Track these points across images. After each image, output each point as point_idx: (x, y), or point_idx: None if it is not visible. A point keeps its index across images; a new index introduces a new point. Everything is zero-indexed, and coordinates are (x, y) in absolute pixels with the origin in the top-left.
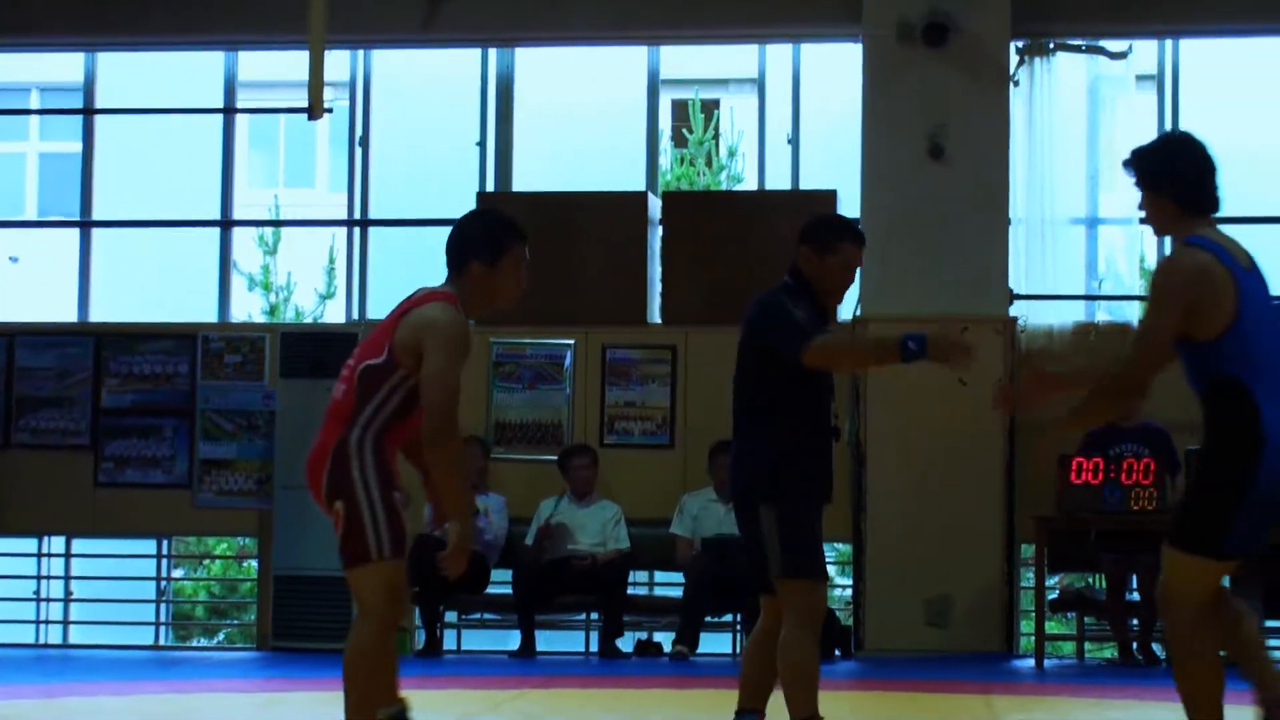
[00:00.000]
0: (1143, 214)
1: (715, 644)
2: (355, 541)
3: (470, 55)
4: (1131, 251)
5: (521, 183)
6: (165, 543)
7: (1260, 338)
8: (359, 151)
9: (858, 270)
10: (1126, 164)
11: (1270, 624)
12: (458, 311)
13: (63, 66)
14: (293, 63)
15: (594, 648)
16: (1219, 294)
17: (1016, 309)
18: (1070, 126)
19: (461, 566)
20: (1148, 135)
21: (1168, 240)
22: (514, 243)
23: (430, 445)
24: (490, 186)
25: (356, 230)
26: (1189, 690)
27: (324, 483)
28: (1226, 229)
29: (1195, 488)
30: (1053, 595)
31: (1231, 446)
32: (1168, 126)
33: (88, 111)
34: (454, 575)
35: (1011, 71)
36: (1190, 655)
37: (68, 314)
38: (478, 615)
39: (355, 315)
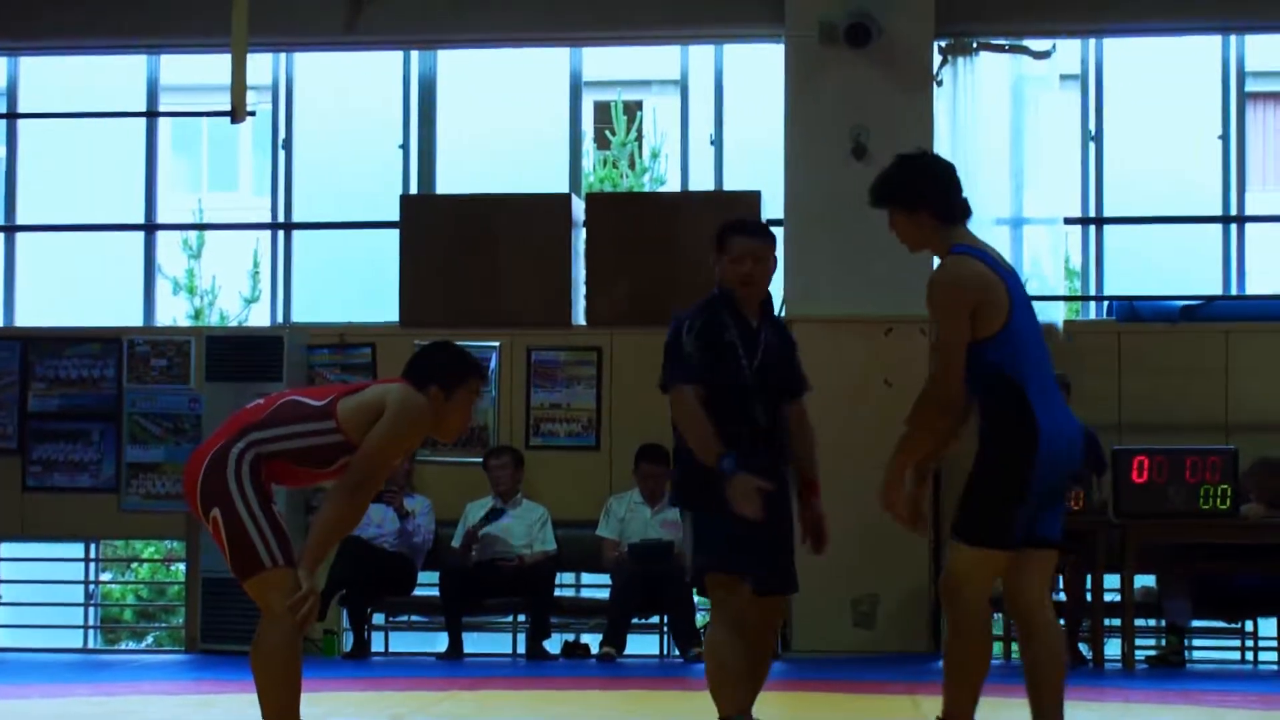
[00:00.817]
0: (896, 233)
1: (642, 645)
2: (245, 554)
3: (392, 58)
4: (1056, 251)
5: (445, 185)
6: (93, 546)
7: (1028, 337)
8: (282, 155)
9: (773, 263)
10: (876, 194)
11: (1198, 624)
12: (423, 398)
13: None
14: (215, 66)
15: (521, 649)
16: (996, 297)
17: None
18: (994, 126)
19: (314, 610)
20: (1071, 134)
21: (1080, 239)
22: (474, 379)
23: (344, 489)
24: (414, 189)
25: (280, 234)
26: (957, 668)
27: (198, 488)
28: (1147, 229)
29: (978, 483)
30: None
31: (1011, 443)
32: (1091, 126)
33: (10, 116)
34: (309, 618)
35: (935, 71)
36: (973, 640)
37: None
38: (405, 617)
39: (280, 318)
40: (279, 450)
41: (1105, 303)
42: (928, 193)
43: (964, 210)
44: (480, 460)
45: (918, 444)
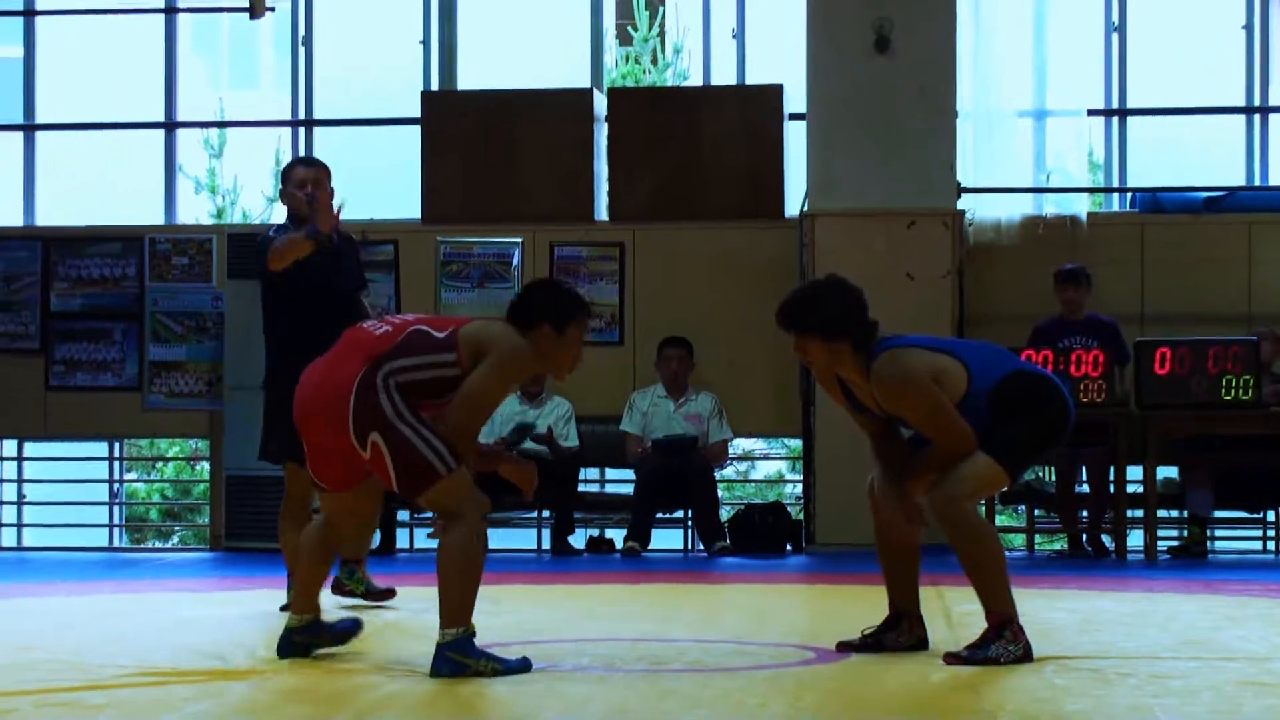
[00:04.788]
0: (806, 357)
1: (666, 540)
2: (416, 466)
3: None
4: (1079, 143)
5: (466, 81)
6: (117, 445)
7: (982, 354)
8: (302, 51)
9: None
10: (793, 321)
11: (1220, 514)
12: (525, 342)
13: None
14: None
15: (546, 545)
16: (937, 361)
17: (964, 202)
18: (1017, 17)
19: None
20: (1095, 25)
21: (1104, 130)
22: (582, 315)
23: (452, 432)
24: (434, 85)
25: (300, 131)
26: (990, 562)
27: (349, 415)
28: (1170, 120)
29: (1026, 418)
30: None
31: (1051, 408)
32: (1114, 16)
33: (29, 14)
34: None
35: None
36: (992, 538)
37: (14, 218)
38: (429, 514)
39: None
40: (407, 381)
41: (1128, 194)
42: (850, 323)
43: (875, 330)
44: None
45: (929, 477)
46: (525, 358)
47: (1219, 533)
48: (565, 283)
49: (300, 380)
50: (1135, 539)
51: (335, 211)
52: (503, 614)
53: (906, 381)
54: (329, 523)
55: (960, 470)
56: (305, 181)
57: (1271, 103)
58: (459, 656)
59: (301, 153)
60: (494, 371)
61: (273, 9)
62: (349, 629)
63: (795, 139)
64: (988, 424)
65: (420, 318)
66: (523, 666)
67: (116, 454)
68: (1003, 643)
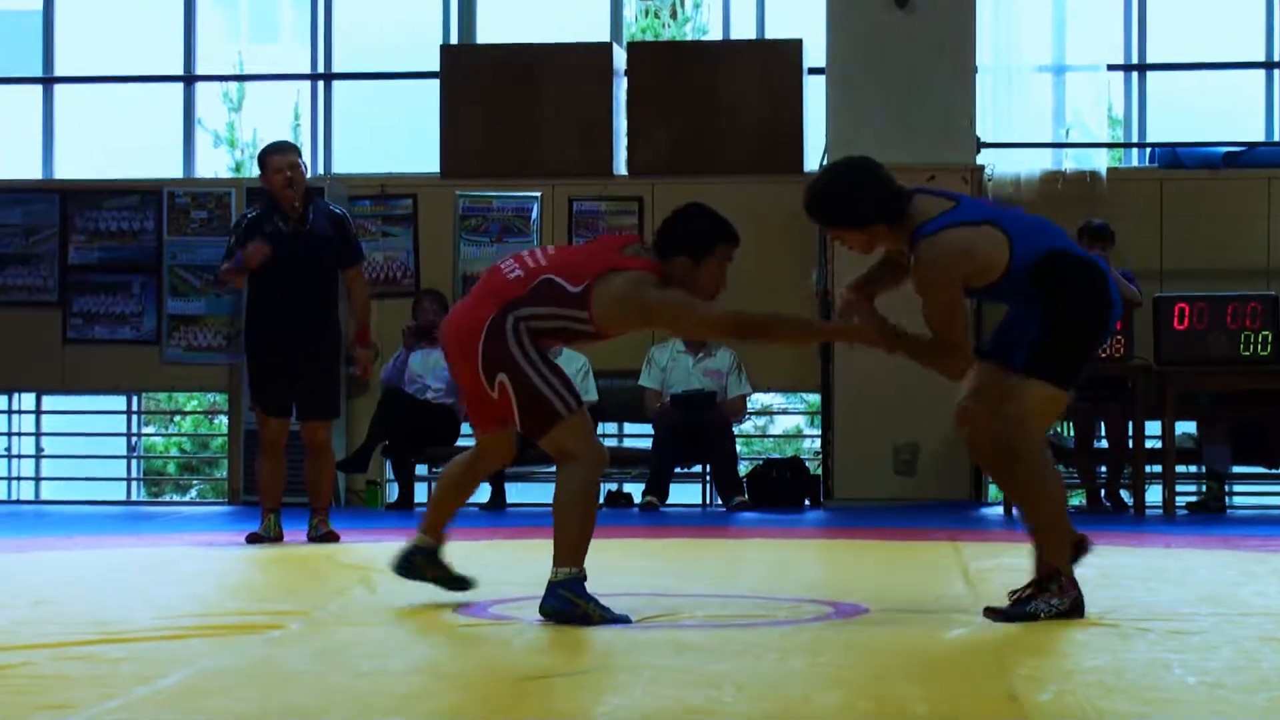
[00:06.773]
0: (844, 241)
1: (684, 495)
2: (539, 409)
3: None
4: (1099, 99)
5: (485, 35)
6: (135, 399)
7: (1029, 226)
8: (321, 5)
9: (303, 167)
10: (821, 217)
11: (1238, 470)
12: (660, 291)
13: None
14: None
15: None
16: (983, 245)
17: (984, 157)
18: None
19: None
20: None
21: (1123, 85)
22: (722, 246)
23: (757, 340)
24: (454, 39)
25: (320, 84)
26: (1047, 502)
27: (479, 356)
28: (1190, 75)
29: (1060, 329)
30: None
31: (1089, 295)
32: None
33: None
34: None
35: None
36: (1045, 472)
37: (32, 171)
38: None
39: (321, 170)
40: (535, 328)
41: (1147, 150)
42: (876, 205)
43: (907, 197)
44: None
45: (909, 350)
46: (662, 293)
47: (1237, 488)
48: (708, 212)
49: (443, 324)
50: (1154, 494)
51: (264, 255)
52: (519, 567)
53: (939, 278)
54: (480, 454)
55: (1021, 399)
56: (283, 168)
57: None
58: (570, 595)
59: (320, 107)
60: (682, 314)
61: None
62: (465, 581)
63: (814, 93)
64: (1029, 310)
65: (554, 260)
66: (625, 620)
67: (134, 407)
68: (1046, 596)
